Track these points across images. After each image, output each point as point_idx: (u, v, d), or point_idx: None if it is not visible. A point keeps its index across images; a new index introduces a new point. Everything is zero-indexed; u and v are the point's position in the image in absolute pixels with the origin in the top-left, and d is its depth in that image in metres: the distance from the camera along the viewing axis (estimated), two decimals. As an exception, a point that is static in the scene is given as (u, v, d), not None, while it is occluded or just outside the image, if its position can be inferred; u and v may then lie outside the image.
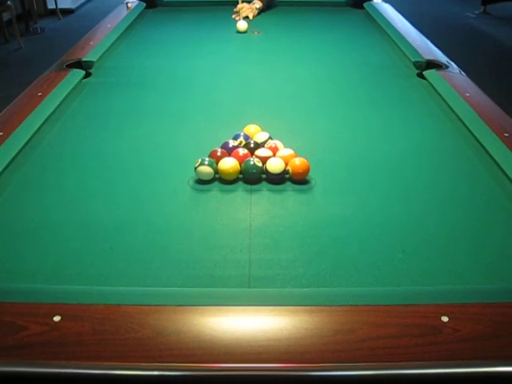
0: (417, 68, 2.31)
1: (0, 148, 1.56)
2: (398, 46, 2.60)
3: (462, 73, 2.25)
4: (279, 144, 1.56)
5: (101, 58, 2.41)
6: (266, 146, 1.56)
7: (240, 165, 1.46)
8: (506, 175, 1.46)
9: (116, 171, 1.54)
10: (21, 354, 0.90)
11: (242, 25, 2.91)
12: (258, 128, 1.67)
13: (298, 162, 1.46)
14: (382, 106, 2.00)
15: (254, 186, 1.45)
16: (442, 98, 1.98)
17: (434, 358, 0.90)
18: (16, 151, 1.57)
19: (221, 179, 1.47)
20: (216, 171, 1.46)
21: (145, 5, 3.35)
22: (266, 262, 1.17)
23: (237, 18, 3.07)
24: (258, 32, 2.94)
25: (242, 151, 1.50)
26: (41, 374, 0.89)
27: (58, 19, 7.32)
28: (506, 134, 1.64)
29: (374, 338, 0.93)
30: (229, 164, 1.45)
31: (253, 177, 1.46)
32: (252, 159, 1.46)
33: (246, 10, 3.15)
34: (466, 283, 1.10)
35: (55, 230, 1.27)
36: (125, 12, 3.17)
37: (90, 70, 2.28)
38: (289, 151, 1.50)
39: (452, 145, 1.68)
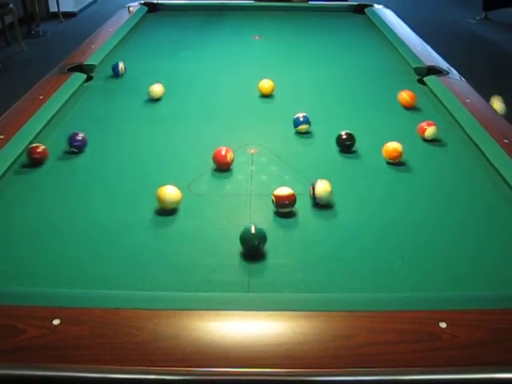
0: (417, 74, 2.31)
1: (1, 151, 1.56)
2: (399, 52, 2.60)
3: (463, 79, 2.25)
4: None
5: (102, 61, 2.42)
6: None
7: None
8: (506, 181, 1.46)
9: (116, 175, 1.54)
10: (20, 357, 0.90)
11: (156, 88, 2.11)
12: (271, 83, 2.05)
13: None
14: (383, 110, 2.01)
15: (253, 191, 1.45)
16: (442, 104, 1.99)
17: (432, 364, 0.90)
18: (17, 154, 1.57)
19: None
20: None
21: (146, 9, 3.36)
22: (264, 267, 1.17)
23: None
24: (259, 37, 2.95)
25: (225, 151, 1.52)
26: (39, 377, 0.89)
27: (59, 22, 7.33)
28: (506, 141, 1.64)
29: (373, 344, 0.93)
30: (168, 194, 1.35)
31: (254, 249, 1.20)
32: (251, 227, 1.21)
33: None
34: (464, 289, 1.10)
35: (55, 234, 1.27)
36: (126, 16, 3.17)
37: (92, 74, 2.28)
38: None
39: (452, 150, 1.69)
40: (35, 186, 1.47)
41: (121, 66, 2.26)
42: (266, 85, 2.09)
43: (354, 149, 1.68)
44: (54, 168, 1.57)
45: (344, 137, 1.66)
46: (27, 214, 1.35)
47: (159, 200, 1.34)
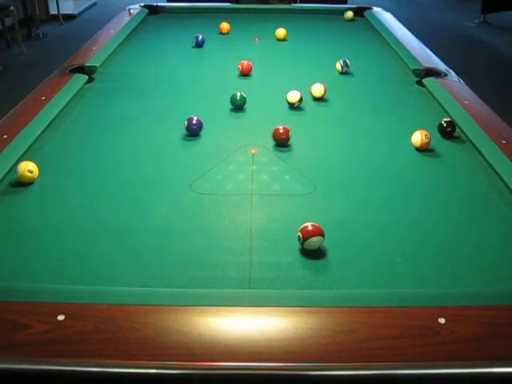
0: (416, 76, 2.33)
1: (4, 151, 1.58)
2: (398, 54, 2.62)
3: (461, 81, 2.27)
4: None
5: (103, 63, 2.43)
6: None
7: None
8: (504, 181, 1.48)
9: (118, 175, 1.56)
10: (25, 352, 0.91)
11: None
12: (284, 30, 2.75)
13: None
14: (382, 112, 2.02)
15: (254, 190, 1.47)
16: (441, 105, 2.00)
17: (431, 358, 0.91)
18: (20, 154, 1.58)
19: None
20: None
21: (147, 11, 3.38)
22: (266, 264, 1.18)
23: None
24: (259, 39, 2.96)
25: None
26: (44, 371, 0.90)
27: (59, 25, 7.34)
28: (504, 141, 1.66)
29: (373, 339, 0.94)
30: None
31: (240, 106, 1.96)
32: (237, 93, 1.96)
33: None
34: (463, 286, 1.12)
35: (59, 232, 1.29)
36: (127, 18, 3.19)
37: (93, 75, 2.30)
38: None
39: (450, 151, 1.70)
40: (38, 185, 1.48)
41: None
42: (280, 32, 2.89)
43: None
44: (56, 168, 1.58)
45: (444, 125, 1.78)
46: (32, 214, 1.36)
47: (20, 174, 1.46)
